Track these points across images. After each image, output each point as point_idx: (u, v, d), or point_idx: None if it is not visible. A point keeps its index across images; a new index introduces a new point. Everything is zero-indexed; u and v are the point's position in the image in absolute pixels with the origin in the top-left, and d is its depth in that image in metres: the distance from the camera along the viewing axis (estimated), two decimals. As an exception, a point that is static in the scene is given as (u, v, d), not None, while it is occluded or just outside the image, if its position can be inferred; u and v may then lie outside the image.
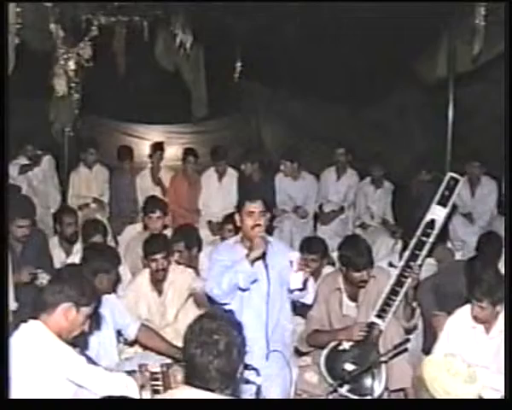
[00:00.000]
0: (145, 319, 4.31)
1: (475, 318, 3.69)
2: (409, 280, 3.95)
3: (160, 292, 4.52)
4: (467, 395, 2.50)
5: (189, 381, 2.26)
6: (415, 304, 4.04)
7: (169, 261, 4.50)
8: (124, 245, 5.78)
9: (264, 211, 3.68)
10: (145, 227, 5.52)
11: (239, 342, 2.25)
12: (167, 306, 4.53)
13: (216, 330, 2.22)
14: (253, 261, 3.60)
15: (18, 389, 2.56)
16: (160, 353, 3.94)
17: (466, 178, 6.37)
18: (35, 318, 2.77)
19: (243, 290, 3.68)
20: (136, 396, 2.84)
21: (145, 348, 4.09)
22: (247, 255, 3.60)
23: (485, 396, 3.46)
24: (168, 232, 5.58)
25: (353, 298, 4.15)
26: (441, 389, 2.54)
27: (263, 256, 3.65)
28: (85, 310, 2.81)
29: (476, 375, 2.59)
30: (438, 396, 2.53)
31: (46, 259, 4.87)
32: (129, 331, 3.98)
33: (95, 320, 3.40)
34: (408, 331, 4.17)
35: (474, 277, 4.29)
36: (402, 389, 3.85)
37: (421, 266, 4.01)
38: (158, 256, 4.40)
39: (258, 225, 3.63)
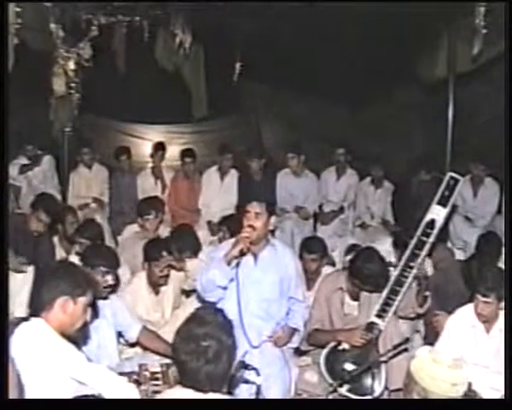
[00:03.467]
0: (143, 318, 4.31)
1: (480, 314, 3.69)
2: (409, 279, 3.95)
3: (156, 293, 4.53)
4: (452, 379, 2.52)
5: (182, 382, 2.26)
6: (427, 293, 4.07)
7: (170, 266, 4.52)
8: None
9: (259, 213, 3.66)
10: (141, 227, 5.51)
11: (229, 345, 2.23)
12: (165, 305, 4.54)
13: (204, 337, 2.19)
14: (229, 261, 3.60)
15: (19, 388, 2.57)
16: (160, 353, 3.94)
17: (468, 177, 6.38)
18: (36, 315, 2.77)
19: (224, 288, 3.69)
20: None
21: (146, 349, 4.09)
22: (226, 255, 3.60)
23: (485, 396, 3.47)
24: (166, 232, 5.59)
25: (355, 297, 4.15)
26: (427, 376, 2.56)
27: (240, 257, 3.65)
28: (83, 300, 2.80)
29: (461, 364, 2.62)
30: (424, 384, 2.56)
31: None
32: (130, 333, 3.97)
33: (94, 314, 3.39)
34: (421, 316, 4.29)
35: (475, 274, 4.31)
36: (402, 389, 3.85)
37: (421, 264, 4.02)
38: (161, 261, 4.41)
39: (250, 226, 3.62)
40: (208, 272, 3.65)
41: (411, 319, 4.40)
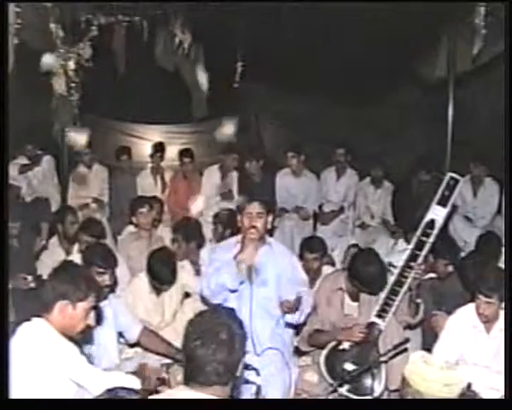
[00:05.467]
0: (143, 319, 4.30)
1: (481, 315, 3.69)
2: (409, 280, 3.95)
3: (158, 294, 4.52)
4: (443, 379, 2.52)
5: (188, 377, 2.23)
6: (419, 301, 4.04)
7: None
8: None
9: (261, 213, 3.67)
10: (136, 226, 5.51)
11: (240, 334, 2.23)
12: (165, 305, 4.53)
13: (217, 322, 2.20)
14: (239, 263, 3.60)
15: (20, 388, 2.57)
16: (160, 354, 3.94)
17: (468, 177, 6.39)
18: (39, 316, 2.77)
19: (233, 292, 3.68)
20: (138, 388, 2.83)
21: (146, 349, 4.09)
22: (235, 257, 3.60)
23: (485, 396, 3.47)
24: (166, 232, 5.59)
25: (355, 298, 4.15)
26: (419, 378, 2.56)
27: (251, 259, 3.65)
28: (82, 305, 2.78)
29: (454, 365, 2.62)
30: (417, 387, 2.55)
31: None
32: (131, 334, 3.97)
33: (96, 318, 3.39)
34: (412, 327, 4.18)
35: (470, 274, 4.31)
36: (402, 390, 3.85)
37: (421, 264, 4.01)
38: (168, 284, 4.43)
39: (254, 226, 3.62)
40: (218, 277, 3.63)
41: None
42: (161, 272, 4.39)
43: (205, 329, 2.19)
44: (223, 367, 2.16)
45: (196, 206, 6.61)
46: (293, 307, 3.69)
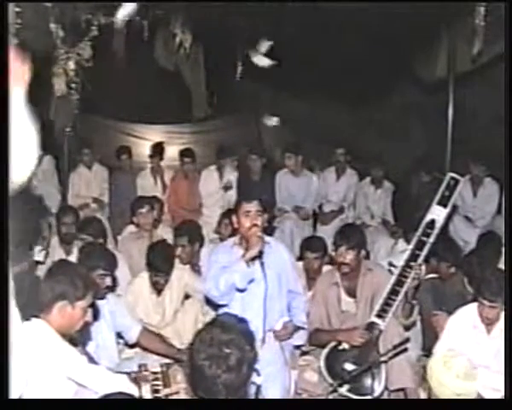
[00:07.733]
0: (143, 319, 4.30)
1: (485, 318, 3.69)
2: (409, 280, 3.94)
3: (158, 293, 4.52)
4: (459, 389, 2.51)
5: (192, 386, 2.19)
6: (414, 302, 4.04)
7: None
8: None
9: (260, 211, 3.67)
10: (136, 226, 5.51)
11: (250, 356, 2.14)
12: (166, 306, 4.53)
13: (227, 344, 2.09)
14: (248, 261, 3.60)
15: (20, 388, 2.56)
16: (160, 354, 3.93)
17: (468, 177, 6.39)
18: (37, 316, 2.76)
19: (241, 291, 3.68)
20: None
21: (146, 350, 4.08)
22: (243, 256, 3.60)
23: (485, 396, 3.47)
24: (166, 232, 5.59)
25: (351, 294, 4.15)
26: (435, 378, 2.56)
27: (259, 256, 3.65)
28: (81, 304, 2.78)
29: (475, 375, 2.58)
30: (432, 383, 2.55)
31: None
32: (130, 334, 3.95)
33: (94, 314, 3.38)
34: (406, 329, 4.17)
35: (477, 271, 4.31)
36: (402, 389, 3.85)
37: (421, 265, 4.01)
38: (163, 274, 4.41)
39: (255, 225, 3.62)
40: (227, 277, 3.63)
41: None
42: (157, 262, 4.40)
43: (214, 351, 2.09)
44: (228, 390, 2.11)
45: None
46: (289, 333, 3.83)
